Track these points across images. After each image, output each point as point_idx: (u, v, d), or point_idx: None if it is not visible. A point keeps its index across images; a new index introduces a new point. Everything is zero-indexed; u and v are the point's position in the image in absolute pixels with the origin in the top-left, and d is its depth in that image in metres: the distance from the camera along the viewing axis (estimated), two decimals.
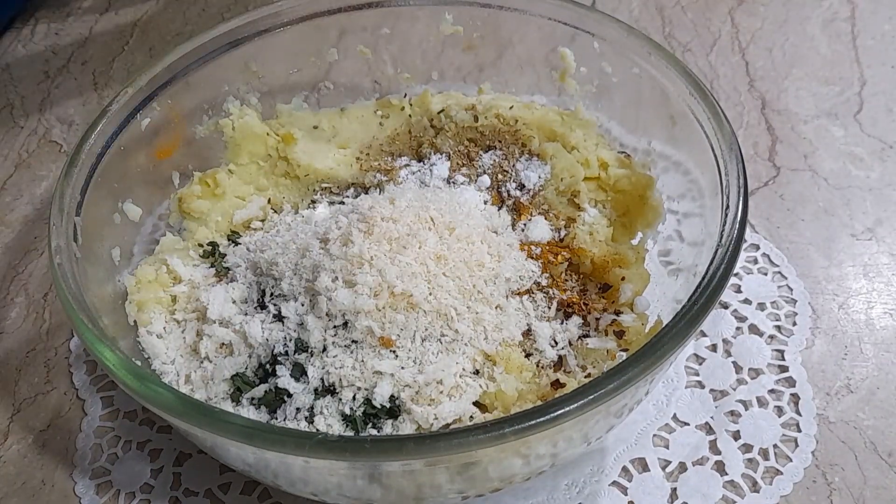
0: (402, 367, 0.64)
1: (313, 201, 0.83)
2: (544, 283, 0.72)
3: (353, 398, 0.64)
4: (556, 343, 0.69)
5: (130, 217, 0.76)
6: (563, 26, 0.81)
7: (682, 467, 0.71)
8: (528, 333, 0.69)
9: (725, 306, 0.80)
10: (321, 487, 0.60)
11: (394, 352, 0.65)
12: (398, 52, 0.89)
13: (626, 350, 0.69)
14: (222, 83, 0.83)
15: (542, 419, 0.51)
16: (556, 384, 0.66)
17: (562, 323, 0.70)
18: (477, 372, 0.66)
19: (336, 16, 0.84)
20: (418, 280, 0.66)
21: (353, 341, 0.65)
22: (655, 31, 1.09)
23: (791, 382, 0.75)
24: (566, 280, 0.73)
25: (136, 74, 0.76)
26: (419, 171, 0.82)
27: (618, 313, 0.70)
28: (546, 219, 0.77)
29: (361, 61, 0.89)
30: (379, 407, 0.63)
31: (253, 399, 0.66)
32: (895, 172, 0.91)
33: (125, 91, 0.74)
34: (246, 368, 0.67)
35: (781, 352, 0.77)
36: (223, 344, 0.68)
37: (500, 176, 0.80)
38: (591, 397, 0.52)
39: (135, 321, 0.71)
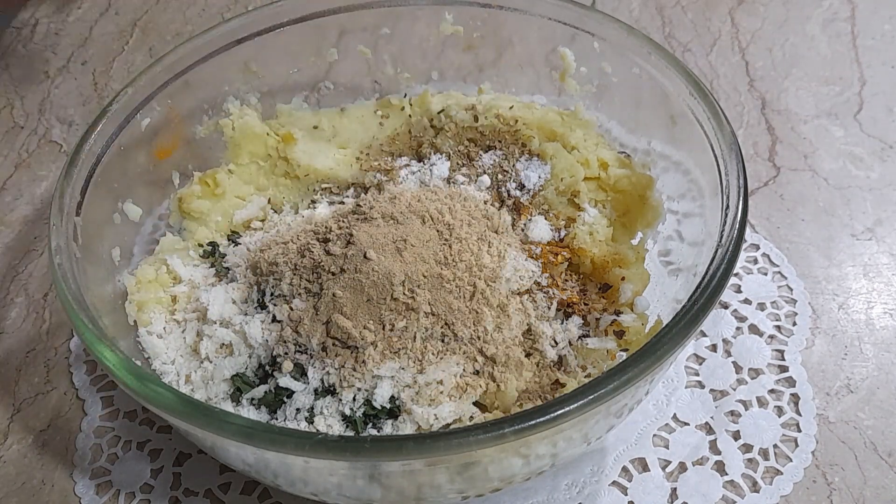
0: (403, 368, 0.64)
1: (313, 201, 0.83)
2: (544, 283, 0.72)
3: (353, 399, 0.64)
4: (557, 343, 0.69)
5: (130, 217, 0.76)
6: (563, 26, 0.81)
7: (682, 467, 0.71)
8: (528, 333, 0.69)
9: (725, 306, 0.80)
10: (321, 487, 0.60)
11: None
12: (398, 52, 0.89)
13: (626, 350, 0.69)
14: (222, 83, 0.83)
15: (542, 419, 0.51)
16: (556, 384, 0.66)
17: (562, 323, 0.70)
18: (477, 372, 0.66)
19: (336, 16, 0.84)
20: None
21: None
22: (655, 31, 1.09)
23: (791, 382, 0.75)
24: (566, 280, 0.73)
25: (136, 74, 0.76)
26: (419, 171, 0.82)
27: (618, 313, 0.70)
28: (546, 219, 0.76)
29: (361, 61, 0.89)
30: (379, 407, 0.63)
31: (253, 399, 0.66)
32: (895, 172, 0.91)
33: (125, 91, 0.74)
34: (246, 369, 0.67)
35: (781, 352, 0.77)
36: (223, 344, 0.68)
37: (500, 176, 0.80)
38: (591, 397, 0.52)
39: (135, 321, 0.71)
